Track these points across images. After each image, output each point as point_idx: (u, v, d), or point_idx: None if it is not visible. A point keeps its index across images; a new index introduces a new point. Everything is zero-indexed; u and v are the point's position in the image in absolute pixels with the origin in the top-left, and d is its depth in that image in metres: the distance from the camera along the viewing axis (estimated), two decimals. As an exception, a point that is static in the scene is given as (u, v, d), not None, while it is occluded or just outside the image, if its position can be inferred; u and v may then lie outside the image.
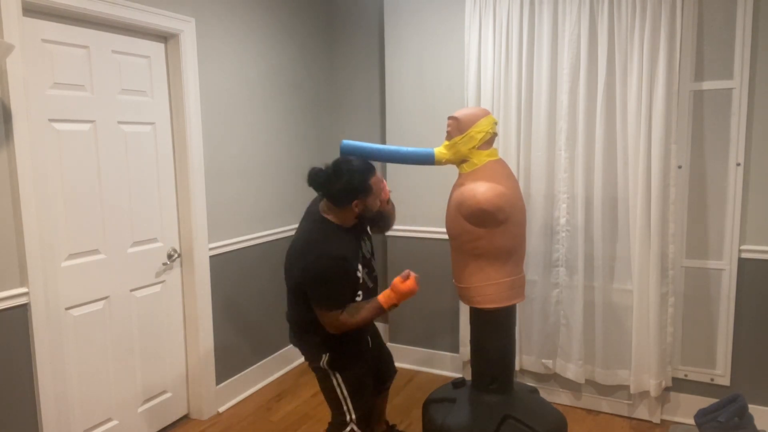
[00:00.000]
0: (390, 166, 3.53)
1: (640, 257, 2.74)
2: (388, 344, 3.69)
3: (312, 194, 2.30)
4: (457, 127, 2.28)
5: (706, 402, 2.65)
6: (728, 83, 2.60)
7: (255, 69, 3.24)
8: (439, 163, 2.35)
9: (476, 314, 2.41)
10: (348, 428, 2.13)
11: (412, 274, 2.03)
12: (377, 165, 3.66)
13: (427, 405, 2.55)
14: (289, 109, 3.56)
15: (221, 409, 3.08)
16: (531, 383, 3.11)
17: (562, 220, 2.92)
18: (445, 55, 3.26)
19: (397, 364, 3.61)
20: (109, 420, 2.58)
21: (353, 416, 2.12)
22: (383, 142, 3.74)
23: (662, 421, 2.88)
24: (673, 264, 2.74)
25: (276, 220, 3.47)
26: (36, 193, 2.13)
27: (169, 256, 2.82)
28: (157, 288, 2.78)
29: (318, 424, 2.90)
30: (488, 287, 2.29)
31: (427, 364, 3.57)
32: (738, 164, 2.62)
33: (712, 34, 2.62)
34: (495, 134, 2.31)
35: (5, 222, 2.06)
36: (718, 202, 2.68)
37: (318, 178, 2.02)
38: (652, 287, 2.73)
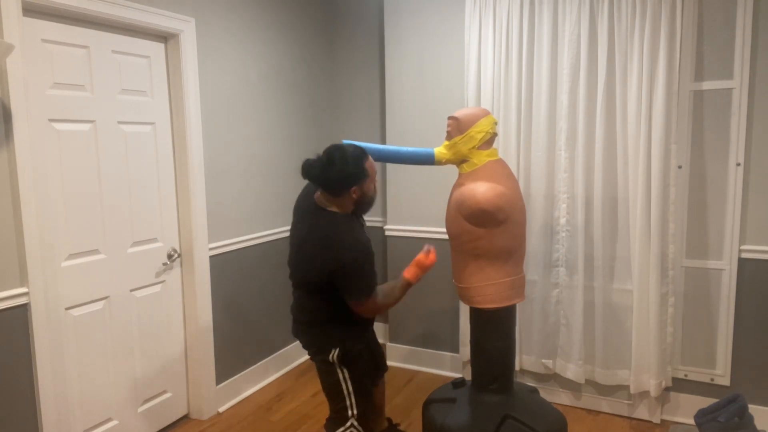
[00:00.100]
0: (390, 166, 3.53)
1: (640, 257, 2.74)
2: (389, 344, 3.70)
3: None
4: (457, 127, 2.28)
5: (706, 402, 2.65)
6: (728, 83, 2.60)
7: (255, 69, 3.24)
8: (439, 163, 2.35)
9: (476, 314, 2.41)
10: (349, 423, 2.13)
11: (432, 248, 2.17)
12: (377, 165, 3.67)
13: (427, 405, 2.55)
14: (289, 108, 3.56)
15: (221, 409, 3.08)
16: (531, 383, 3.11)
17: (562, 220, 2.92)
18: (445, 55, 3.26)
19: (397, 364, 3.64)
20: (109, 420, 2.58)
21: (355, 412, 2.12)
22: (383, 142, 3.74)
23: (662, 421, 2.88)
24: (673, 264, 2.74)
25: (276, 220, 3.47)
26: (36, 193, 2.13)
27: (169, 256, 2.82)
28: (157, 288, 2.78)
29: (318, 424, 2.90)
30: (488, 287, 2.29)
31: (427, 364, 3.57)
32: (738, 164, 2.62)
33: (712, 34, 2.62)
34: (495, 134, 2.31)
35: (5, 222, 2.06)
36: (718, 202, 2.68)
37: (313, 170, 1.98)
38: (652, 287, 2.73)
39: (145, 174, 2.69)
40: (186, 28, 2.74)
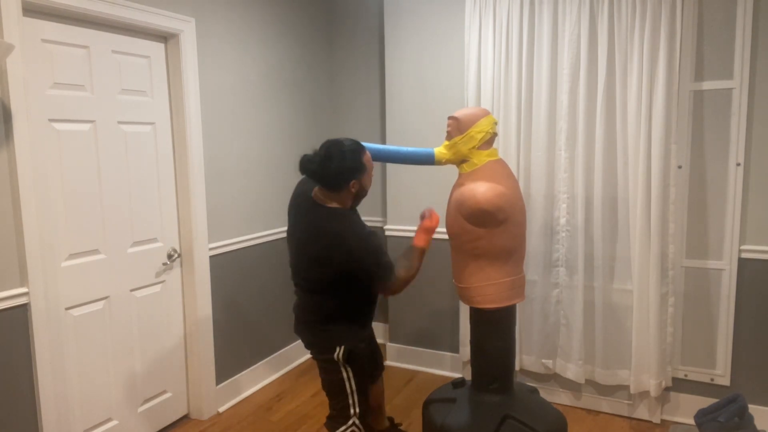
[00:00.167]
0: (390, 166, 3.53)
1: (640, 257, 2.74)
2: (388, 344, 3.70)
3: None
4: (457, 127, 2.28)
5: (706, 402, 2.65)
6: (728, 83, 2.60)
7: (255, 69, 3.24)
8: (439, 163, 2.36)
9: (476, 314, 2.41)
10: (351, 422, 2.13)
11: (431, 209, 2.24)
12: (377, 165, 3.68)
13: (427, 405, 2.55)
14: (290, 108, 3.56)
15: (221, 409, 3.08)
16: (531, 383, 3.11)
17: (562, 220, 2.92)
18: (445, 55, 3.26)
19: (397, 364, 3.64)
20: (109, 420, 2.58)
21: (357, 410, 2.13)
22: (383, 142, 3.74)
23: (662, 421, 2.88)
24: (673, 264, 2.75)
25: (276, 220, 3.47)
26: (36, 193, 2.13)
27: (169, 256, 2.82)
28: (157, 288, 2.78)
29: (318, 424, 2.90)
30: (488, 287, 2.29)
31: (427, 364, 3.57)
32: (738, 164, 2.62)
33: (712, 34, 2.62)
34: (495, 134, 2.31)
35: (5, 222, 2.06)
36: (718, 202, 2.68)
37: (311, 165, 1.97)
38: (652, 287, 2.73)
39: (145, 174, 2.69)
40: (186, 28, 2.74)
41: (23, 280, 2.12)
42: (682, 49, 2.64)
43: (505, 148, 3.00)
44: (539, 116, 2.92)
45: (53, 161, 2.28)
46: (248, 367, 3.31)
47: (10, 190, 2.07)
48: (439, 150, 2.34)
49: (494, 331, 2.38)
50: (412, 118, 3.41)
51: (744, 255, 2.66)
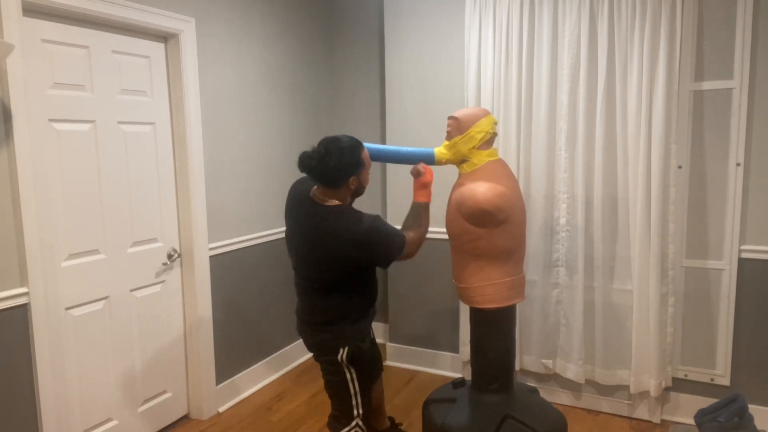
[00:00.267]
0: (389, 165, 3.53)
1: (640, 257, 2.74)
2: (388, 344, 3.70)
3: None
4: (457, 127, 2.28)
5: (706, 402, 2.65)
6: (728, 83, 2.60)
7: (255, 69, 3.24)
8: (439, 163, 2.35)
9: (476, 314, 2.41)
10: (354, 423, 2.13)
11: (422, 165, 2.27)
12: (376, 165, 3.68)
13: (427, 405, 2.55)
14: (289, 108, 3.56)
15: (221, 409, 3.08)
16: (531, 383, 3.11)
17: (562, 220, 2.92)
18: (445, 55, 3.26)
19: (397, 364, 3.64)
20: (109, 420, 2.58)
21: (361, 411, 2.13)
22: (383, 141, 3.74)
23: (662, 421, 2.88)
24: (673, 264, 2.75)
25: (276, 220, 3.47)
26: (36, 193, 2.13)
27: (169, 256, 2.82)
28: (157, 288, 2.78)
29: (318, 424, 2.90)
30: (488, 287, 2.29)
31: (427, 364, 3.57)
32: (738, 164, 2.62)
33: (712, 34, 2.62)
34: (495, 134, 2.31)
35: (5, 222, 2.06)
36: (718, 202, 2.68)
37: (310, 162, 1.97)
38: (652, 287, 2.73)
39: (145, 174, 2.69)
40: (186, 28, 2.74)
41: (23, 280, 2.12)
42: (682, 49, 2.64)
43: (505, 148, 3.00)
44: (539, 116, 2.92)
45: (53, 161, 2.28)
46: (248, 367, 3.31)
47: (10, 190, 2.07)
48: (439, 150, 2.34)
49: (494, 331, 2.38)
50: (412, 118, 3.41)
51: (744, 255, 2.66)
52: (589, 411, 3.02)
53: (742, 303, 2.69)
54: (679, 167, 2.72)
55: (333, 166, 1.96)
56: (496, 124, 2.31)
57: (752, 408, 2.61)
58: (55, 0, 2.14)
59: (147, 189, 2.70)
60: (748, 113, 2.58)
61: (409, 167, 3.36)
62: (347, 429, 2.14)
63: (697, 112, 2.68)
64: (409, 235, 2.10)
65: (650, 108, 2.66)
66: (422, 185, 2.24)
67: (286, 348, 3.61)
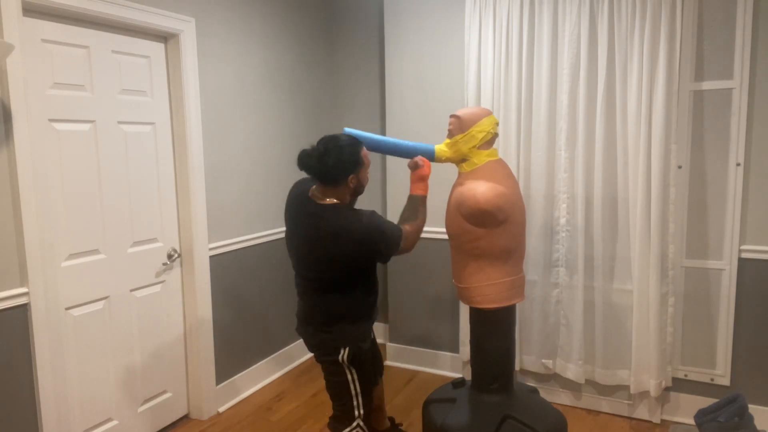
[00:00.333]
0: (390, 165, 3.52)
1: (640, 257, 2.74)
2: (388, 344, 3.70)
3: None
4: (458, 126, 2.28)
5: (706, 402, 2.65)
6: (728, 83, 2.60)
7: (255, 69, 3.24)
8: (439, 160, 2.35)
9: (476, 314, 2.41)
10: (355, 423, 2.13)
11: (418, 158, 2.25)
12: (377, 157, 3.67)
13: (427, 405, 2.55)
14: (290, 108, 3.56)
15: (221, 409, 3.08)
16: (531, 383, 3.11)
17: (562, 220, 2.92)
18: (445, 55, 3.26)
19: (397, 364, 3.64)
20: (109, 420, 2.58)
21: (362, 412, 2.13)
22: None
23: (662, 421, 2.88)
24: (673, 264, 2.74)
25: (276, 220, 3.47)
26: (36, 193, 2.13)
27: (169, 256, 2.82)
28: (157, 288, 2.78)
29: (318, 424, 2.90)
30: (488, 287, 2.29)
31: (427, 364, 3.57)
32: (738, 164, 2.62)
33: (712, 34, 2.62)
34: (496, 134, 2.31)
35: (5, 222, 2.06)
36: (718, 202, 2.68)
37: (310, 160, 1.98)
38: (652, 287, 2.73)
39: (145, 174, 2.69)
40: (186, 28, 2.74)
41: (23, 280, 2.12)
42: (682, 49, 2.64)
43: (505, 148, 3.00)
44: (539, 116, 2.92)
45: (53, 161, 2.28)
46: (248, 367, 3.31)
47: (10, 190, 2.07)
48: (440, 147, 2.34)
49: (494, 331, 2.38)
50: (412, 118, 3.41)
51: (744, 255, 2.66)
52: (589, 411, 3.02)
53: (742, 303, 2.69)
54: (679, 167, 2.72)
55: (332, 165, 1.97)
56: (497, 124, 2.31)
57: (752, 408, 2.60)
58: (55, 0, 2.14)
59: (147, 189, 2.70)
60: (748, 113, 2.58)
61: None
62: (348, 429, 2.14)
63: (697, 112, 2.68)
64: (406, 228, 2.10)
65: (650, 108, 2.66)
66: (419, 178, 2.23)
67: (286, 348, 3.61)
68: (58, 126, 2.29)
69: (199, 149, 2.85)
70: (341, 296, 2.06)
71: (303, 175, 2.13)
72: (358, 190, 2.08)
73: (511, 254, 2.29)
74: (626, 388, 2.91)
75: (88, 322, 2.45)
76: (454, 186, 2.36)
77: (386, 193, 3.59)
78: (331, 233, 1.96)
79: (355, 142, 2.04)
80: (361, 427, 2.14)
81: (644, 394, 2.87)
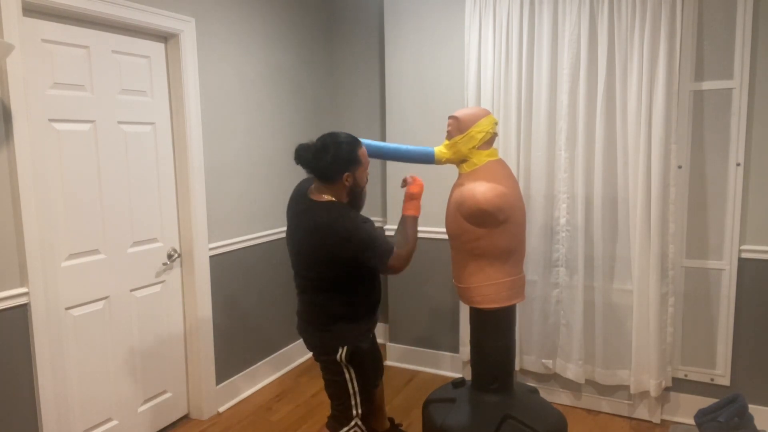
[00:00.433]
0: (390, 166, 3.53)
1: (640, 257, 2.74)
2: (389, 344, 3.70)
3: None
4: (457, 127, 2.28)
5: (706, 402, 2.65)
6: (728, 83, 2.60)
7: (255, 69, 3.24)
8: (439, 162, 2.35)
9: (476, 314, 2.41)
10: (353, 423, 2.13)
11: (410, 177, 2.23)
12: (377, 165, 3.68)
13: (427, 405, 2.55)
14: (289, 108, 3.56)
15: (221, 409, 3.08)
16: (531, 383, 3.11)
17: (562, 220, 2.92)
18: (445, 55, 3.26)
19: (397, 364, 3.64)
20: (109, 420, 2.58)
21: (359, 411, 2.12)
22: (383, 141, 3.74)
23: (662, 421, 2.88)
24: (673, 264, 2.74)
25: (276, 220, 3.47)
26: (36, 193, 2.13)
27: (169, 256, 2.82)
28: (157, 288, 2.78)
29: (318, 424, 2.90)
30: (488, 287, 2.29)
31: (427, 364, 3.57)
32: (738, 164, 2.62)
33: (712, 34, 2.62)
34: (495, 134, 2.31)
35: (5, 222, 2.06)
36: (718, 202, 2.68)
37: (306, 154, 1.99)
38: (652, 287, 2.73)
39: (145, 174, 2.69)
40: (186, 28, 2.74)
41: (23, 280, 2.12)
42: (682, 49, 2.64)
43: (505, 148, 3.00)
44: (539, 116, 2.92)
45: (53, 161, 2.28)
46: (248, 367, 3.31)
47: (10, 190, 2.07)
48: (439, 149, 2.34)
49: (494, 331, 2.38)
50: (412, 118, 3.41)
51: (744, 255, 2.66)
52: (589, 411, 3.02)
53: (742, 303, 2.69)
54: (679, 167, 2.72)
55: (328, 160, 1.97)
56: (496, 124, 2.31)
57: (752, 408, 2.60)
58: (55, 0, 2.14)
59: (147, 189, 2.70)
60: (748, 113, 2.58)
61: (409, 166, 3.37)
62: (346, 429, 2.13)
63: (697, 112, 2.68)
64: (399, 250, 2.04)
65: (650, 108, 2.66)
66: (409, 197, 2.18)
67: (286, 348, 3.61)
68: (58, 126, 2.29)
69: (199, 149, 2.85)
70: (339, 296, 2.06)
71: (305, 174, 2.13)
72: (354, 190, 2.07)
73: (511, 254, 2.29)
74: (626, 388, 2.91)
75: (88, 322, 2.45)
76: (454, 186, 2.36)
77: (386, 195, 3.59)
78: (317, 227, 1.97)
79: (353, 140, 2.04)
80: (359, 427, 2.13)
81: (644, 394, 2.87)
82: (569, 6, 2.79)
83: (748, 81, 2.56)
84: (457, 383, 2.61)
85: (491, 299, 2.30)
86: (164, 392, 2.86)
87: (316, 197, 2.04)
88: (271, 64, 3.37)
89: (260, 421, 2.98)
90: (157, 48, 2.71)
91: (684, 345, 2.83)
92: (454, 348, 3.44)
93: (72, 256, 2.38)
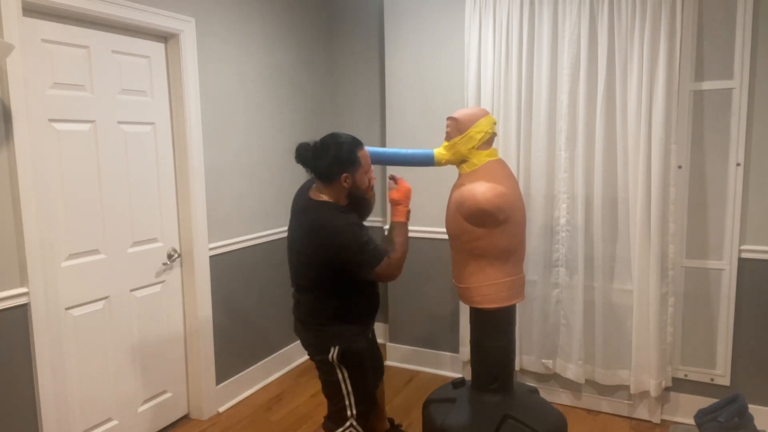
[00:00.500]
0: (391, 168, 3.52)
1: (640, 257, 2.74)
2: (389, 344, 3.70)
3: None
4: (456, 128, 2.28)
5: (706, 402, 2.65)
6: (728, 83, 2.60)
7: (255, 69, 3.24)
8: (439, 164, 2.35)
9: (476, 314, 2.41)
10: (348, 423, 2.12)
11: (395, 178, 2.17)
12: (378, 168, 3.68)
13: (427, 405, 2.55)
14: (289, 108, 3.56)
15: (221, 409, 3.08)
16: (531, 383, 3.11)
17: (562, 220, 2.92)
18: (445, 55, 3.26)
19: (397, 364, 3.64)
20: (109, 420, 2.58)
21: (354, 411, 2.11)
22: (383, 142, 3.74)
23: (662, 421, 2.88)
24: (673, 264, 2.74)
25: (276, 220, 3.47)
26: (36, 193, 2.13)
27: (169, 256, 2.82)
28: (157, 288, 2.78)
29: (318, 425, 2.89)
30: (488, 287, 2.29)
31: (427, 364, 3.57)
32: (738, 164, 2.62)
33: (712, 34, 2.62)
34: (494, 134, 2.31)
35: (5, 222, 2.06)
36: (718, 202, 2.68)
37: (306, 153, 2.00)
38: (652, 287, 2.73)
39: (145, 174, 2.69)
40: (186, 28, 2.74)
41: (23, 280, 2.12)
42: (682, 49, 2.64)
43: (505, 148, 3.00)
44: (539, 116, 2.92)
45: (53, 161, 2.28)
46: (248, 367, 3.31)
47: (10, 190, 2.07)
48: (439, 151, 2.34)
49: (494, 331, 2.38)
50: (412, 118, 3.41)
51: (744, 255, 2.66)
52: (589, 411, 3.02)
53: (742, 303, 2.69)
54: (679, 167, 2.72)
55: (327, 160, 1.98)
56: (495, 124, 2.31)
57: (752, 408, 2.60)
58: (55, 0, 2.14)
59: (147, 189, 2.70)
60: (748, 113, 2.58)
61: (409, 169, 3.37)
62: (340, 430, 2.12)
63: (697, 112, 2.68)
64: (389, 256, 2.02)
65: (650, 108, 2.66)
66: (394, 201, 2.14)
67: (286, 348, 3.61)
68: (58, 126, 2.29)
69: (199, 149, 2.85)
70: (332, 295, 2.05)
71: (306, 174, 2.13)
72: (354, 193, 2.06)
73: (511, 254, 2.29)
74: (626, 388, 2.91)
75: (88, 322, 2.45)
76: (454, 187, 2.36)
77: (386, 195, 3.59)
78: (310, 227, 1.99)
79: (354, 141, 2.03)
80: (354, 427, 2.12)
81: (644, 394, 2.87)
82: (569, 6, 2.79)
83: (748, 81, 2.56)
84: (457, 383, 2.61)
85: (491, 299, 2.30)
86: (164, 392, 2.86)
87: (315, 197, 2.05)
88: (271, 64, 3.37)
89: (260, 421, 2.98)
90: (157, 48, 2.71)
91: (684, 345, 2.83)
92: (454, 348, 3.44)
93: (72, 256, 2.38)
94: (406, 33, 3.37)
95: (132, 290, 2.65)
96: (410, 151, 2.38)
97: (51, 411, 2.23)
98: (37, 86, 2.20)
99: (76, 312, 2.41)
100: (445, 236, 2.43)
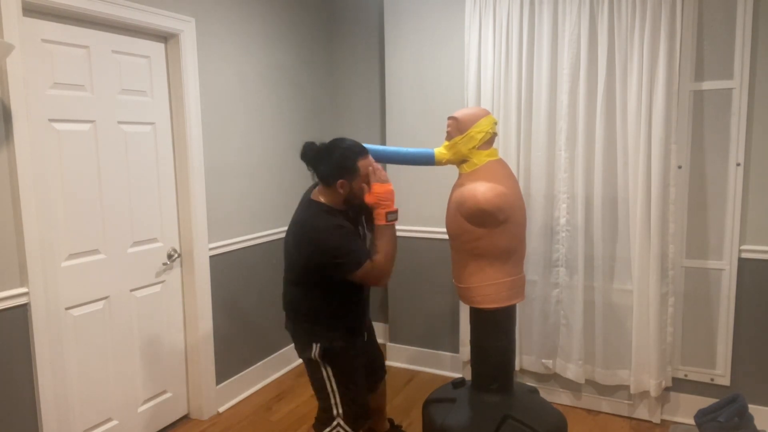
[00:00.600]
0: (390, 166, 3.52)
1: (640, 257, 2.74)
2: (389, 344, 3.70)
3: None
4: (456, 127, 2.28)
5: (706, 402, 2.65)
6: (728, 83, 2.60)
7: (255, 69, 3.24)
8: (440, 163, 2.35)
9: (476, 314, 2.40)
10: (335, 423, 2.10)
11: (368, 182, 2.00)
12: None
13: (427, 405, 2.55)
14: (289, 108, 3.56)
15: (221, 409, 3.08)
16: (531, 383, 3.11)
17: (562, 220, 2.92)
18: (445, 55, 3.26)
19: (397, 364, 3.64)
20: (109, 420, 2.58)
21: (340, 411, 2.09)
22: (383, 142, 3.74)
23: (662, 421, 2.88)
24: (673, 264, 2.74)
25: (276, 220, 3.47)
26: (36, 193, 2.13)
27: (169, 256, 2.82)
28: (157, 288, 2.78)
29: (318, 424, 2.90)
30: (488, 287, 2.29)
31: (427, 364, 3.57)
32: (738, 164, 2.62)
33: (712, 34, 2.62)
34: (495, 134, 2.31)
35: (5, 222, 2.06)
36: (718, 202, 2.68)
37: (309, 152, 2.04)
38: (652, 287, 2.73)
39: (145, 174, 2.69)
40: (186, 28, 2.74)
41: (23, 280, 2.12)
42: (682, 49, 2.64)
43: (505, 148, 3.00)
44: (539, 116, 2.92)
45: (53, 161, 2.28)
46: (248, 367, 3.31)
47: (10, 190, 2.07)
48: (439, 150, 2.34)
49: (494, 331, 2.38)
50: (412, 118, 3.41)
51: (744, 255, 2.66)
52: (589, 411, 3.02)
53: (742, 303, 2.69)
54: (679, 167, 2.72)
55: (327, 162, 2.00)
56: (496, 124, 2.30)
57: (752, 408, 2.60)
58: (55, 0, 2.14)
59: (147, 189, 2.70)
60: (748, 113, 2.58)
61: (409, 169, 3.37)
62: (327, 429, 2.11)
63: (697, 112, 2.68)
64: (374, 259, 1.98)
65: (650, 108, 2.66)
66: (371, 205, 2.02)
67: (286, 348, 3.61)
68: (58, 126, 2.29)
69: (199, 149, 2.85)
70: (314, 294, 2.06)
71: (307, 173, 2.16)
72: (351, 201, 2.05)
73: (512, 254, 2.29)
74: (626, 388, 2.91)
75: (88, 322, 2.45)
76: (455, 187, 2.36)
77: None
78: (299, 224, 2.03)
79: (357, 149, 2.02)
80: (341, 427, 2.10)
81: (644, 394, 2.87)
82: (569, 6, 2.79)
83: (748, 81, 2.56)
84: (457, 383, 2.61)
85: (491, 299, 2.30)
86: (164, 392, 2.86)
87: (314, 197, 2.08)
88: (271, 64, 3.37)
89: (260, 421, 2.98)
90: (157, 48, 2.71)
91: (684, 345, 2.83)
92: (454, 348, 3.44)
93: (72, 256, 2.38)
94: (406, 33, 3.37)
95: (132, 290, 2.65)
96: (411, 150, 2.38)
97: (51, 411, 2.23)
98: (37, 86, 2.20)
99: (76, 312, 2.40)
100: (445, 236, 2.43)
